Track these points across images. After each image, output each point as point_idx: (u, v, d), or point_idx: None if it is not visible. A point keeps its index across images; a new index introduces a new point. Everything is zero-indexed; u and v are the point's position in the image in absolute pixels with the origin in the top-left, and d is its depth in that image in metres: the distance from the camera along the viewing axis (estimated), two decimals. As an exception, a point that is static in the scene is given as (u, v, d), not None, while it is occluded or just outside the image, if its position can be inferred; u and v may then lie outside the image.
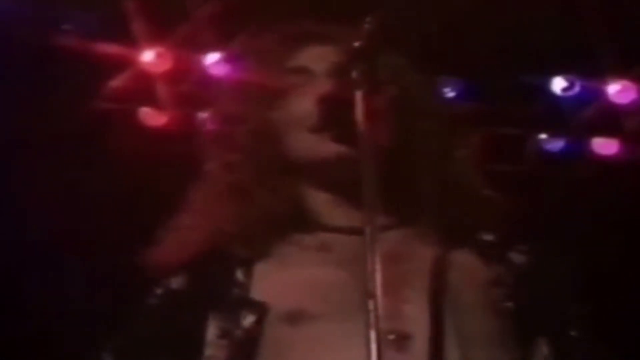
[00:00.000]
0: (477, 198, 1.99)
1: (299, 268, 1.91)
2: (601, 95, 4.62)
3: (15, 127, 4.10)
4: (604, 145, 4.86)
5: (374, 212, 1.69)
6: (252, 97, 2.05)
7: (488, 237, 1.97)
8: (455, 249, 1.93)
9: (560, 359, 1.89)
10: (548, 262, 1.99)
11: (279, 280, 1.90)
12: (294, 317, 1.83)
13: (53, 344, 4.05)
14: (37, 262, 4.15)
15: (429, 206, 1.95)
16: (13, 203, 4.10)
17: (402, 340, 1.78)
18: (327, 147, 1.92)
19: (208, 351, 1.84)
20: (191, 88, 4.33)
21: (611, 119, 4.74)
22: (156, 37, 4.21)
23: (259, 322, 1.83)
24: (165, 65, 4.29)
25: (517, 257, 1.96)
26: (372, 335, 1.60)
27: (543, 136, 4.92)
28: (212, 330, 1.85)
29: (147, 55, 4.25)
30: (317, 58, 2.03)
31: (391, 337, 1.77)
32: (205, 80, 4.19)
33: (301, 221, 1.96)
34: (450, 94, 4.49)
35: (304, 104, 1.96)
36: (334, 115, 1.90)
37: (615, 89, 4.58)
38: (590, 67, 4.46)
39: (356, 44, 1.79)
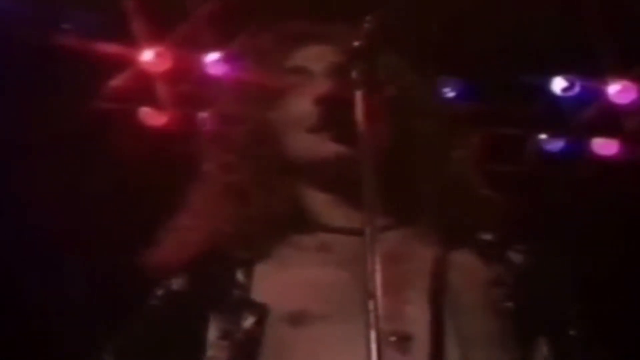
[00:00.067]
0: (476, 198, 1.99)
1: (299, 269, 1.91)
2: (601, 95, 4.62)
3: (15, 127, 4.10)
4: (604, 146, 4.86)
5: (373, 213, 1.69)
6: (251, 97, 2.05)
7: (487, 236, 1.97)
8: (455, 249, 1.93)
9: (560, 359, 1.89)
10: (548, 262, 1.99)
11: (279, 281, 1.89)
12: (295, 318, 1.83)
13: (53, 344, 4.06)
14: (37, 262, 4.15)
15: (428, 206, 1.95)
16: (13, 203, 4.10)
17: (403, 341, 1.78)
18: (326, 147, 1.92)
19: (209, 352, 1.84)
20: (191, 88, 4.33)
21: (611, 119, 4.73)
22: (156, 36, 4.21)
23: (260, 323, 1.83)
24: (165, 65, 4.29)
25: (516, 257, 1.96)
26: (373, 335, 1.60)
27: (543, 136, 4.92)
28: (212, 331, 1.85)
29: (147, 55, 4.25)
30: (315, 58, 2.03)
31: (392, 338, 1.77)
32: (205, 80, 4.19)
33: (301, 222, 1.96)
34: (450, 94, 4.49)
35: (302, 104, 1.96)
36: (333, 115, 1.90)
37: (615, 89, 4.58)
38: (590, 67, 4.46)
39: (356, 44, 1.79)
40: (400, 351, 1.77)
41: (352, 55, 1.79)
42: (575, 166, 4.89)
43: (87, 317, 3.90)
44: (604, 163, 4.82)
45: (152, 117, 4.51)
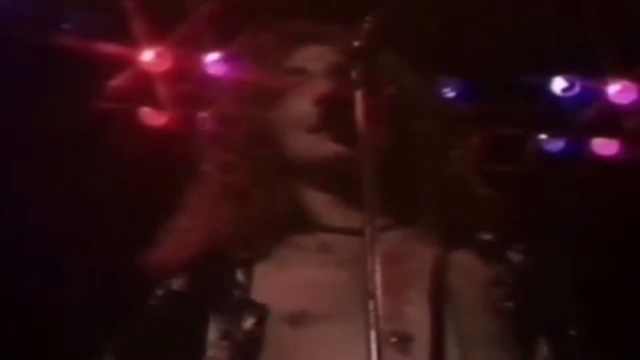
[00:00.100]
0: (475, 198, 1.99)
1: (299, 269, 1.91)
2: (601, 95, 4.62)
3: (15, 127, 4.10)
4: (604, 146, 4.86)
5: (373, 213, 1.69)
6: (250, 97, 2.05)
7: (487, 236, 1.97)
8: (455, 249, 1.93)
9: (560, 359, 1.89)
10: (548, 262, 2.00)
11: (279, 281, 1.89)
12: (295, 319, 1.82)
13: (54, 345, 4.06)
14: (37, 262, 4.15)
15: (428, 206, 1.95)
16: (13, 203, 4.10)
17: (404, 341, 1.78)
18: (326, 147, 1.92)
19: (209, 352, 1.84)
20: (191, 88, 4.33)
21: (611, 120, 4.73)
22: (156, 36, 4.21)
23: (260, 324, 1.83)
24: (165, 65, 4.29)
25: (516, 257, 1.96)
26: (373, 335, 1.60)
27: (543, 136, 4.91)
28: (213, 332, 1.85)
29: (147, 55, 4.25)
30: (314, 58, 2.03)
31: (393, 339, 1.77)
32: (205, 80, 4.19)
33: (300, 222, 1.96)
34: (450, 94, 4.49)
35: (302, 105, 1.96)
36: (332, 116, 1.90)
37: (615, 89, 4.58)
38: (590, 67, 4.46)
39: (356, 44, 1.78)
40: (400, 352, 1.78)
41: (352, 56, 1.79)
42: (575, 166, 4.89)
43: (87, 317, 3.90)
44: (604, 163, 4.82)
45: (152, 117, 4.51)
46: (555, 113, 4.71)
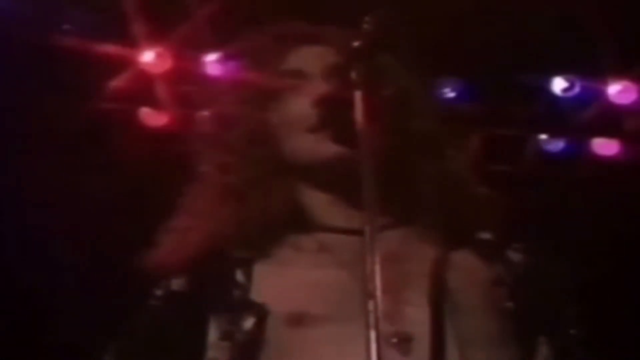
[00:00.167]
0: (473, 197, 1.99)
1: (298, 269, 1.91)
2: (601, 95, 4.62)
3: (15, 127, 4.10)
4: (604, 146, 4.85)
5: (373, 212, 1.69)
6: (248, 98, 2.05)
7: (486, 236, 1.97)
8: (455, 249, 1.93)
9: (561, 359, 1.89)
10: (548, 261, 2.00)
11: (278, 281, 1.90)
12: (295, 319, 1.83)
13: (54, 345, 4.06)
14: (36, 262, 4.14)
15: (426, 206, 1.95)
16: (12, 203, 4.10)
17: (404, 342, 1.78)
18: (326, 148, 1.92)
19: (209, 353, 1.84)
20: (191, 88, 4.33)
21: (611, 120, 4.73)
22: (156, 37, 4.21)
23: (260, 325, 1.83)
24: (165, 65, 4.29)
25: (516, 256, 1.96)
26: (372, 335, 1.60)
27: (543, 137, 4.91)
28: (213, 332, 1.85)
29: (147, 56, 4.25)
30: (311, 59, 2.03)
31: (394, 340, 1.77)
32: (205, 80, 4.19)
33: (300, 222, 1.96)
34: (450, 94, 4.49)
35: (300, 106, 1.96)
36: (332, 116, 1.90)
37: (615, 90, 4.58)
38: (590, 67, 4.46)
39: (355, 44, 1.79)
40: (400, 352, 1.78)
41: (352, 56, 1.79)
42: (575, 166, 4.89)
43: (87, 317, 3.90)
44: (604, 163, 4.82)
45: (152, 117, 4.51)
46: (555, 113, 4.71)
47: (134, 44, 4.22)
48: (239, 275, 1.90)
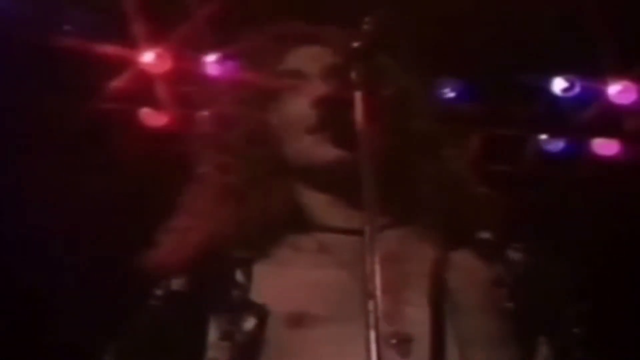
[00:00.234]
0: (473, 196, 1.99)
1: (298, 269, 1.91)
2: (601, 95, 4.62)
3: (15, 127, 4.10)
4: (604, 146, 4.85)
5: (373, 212, 1.69)
6: (248, 98, 2.05)
7: (486, 235, 1.97)
8: (454, 249, 1.93)
9: (561, 358, 1.89)
10: (548, 261, 2.00)
11: (278, 282, 1.90)
12: (294, 319, 1.83)
13: (54, 345, 4.06)
14: (36, 263, 4.14)
15: (426, 205, 1.95)
16: (12, 203, 4.10)
17: (404, 343, 1.78)
18: (326, 151, 1.92)
19: (209, 353, 1.84)
20: (191, 89, 4.33)
21: (611, 120, 4.73)
22: (156, 37, 4.21)
23: (260, 325, 1.83)
24: (165, 66, 4.29)
25: (516, 256, 1.96)
26: (372, 336, 1.60)
27: (543, 137, 4.91)
28: (213, 332, 1.85)
29: (147, 56, 4.25)
30: (310, 59, 2.03)
31: (393, 341, 1.77)
32: (205, 81, 4.19)
33: (299, 222, 1.96)
34: (450, 94, 4.49)
35: (300, 106, 1.96)
36: (331, 117, 1.90)
37: (615, 90, 4.58)
38: (590, 67, 4.46)
39: (355, 45, 1.78)
40: (400, 353, 1.78)
41: (351, 57, 1.79)
42: (575, 166, 4.89)
43: (87, 317, 3.90)
44: (604, 163, 4.81)
45: (152, 117, 4.51)
46: (556, 113, 4.71)
47: (134, 45, 4.22)
48: (239, 276, 1.90)
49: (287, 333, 1.83)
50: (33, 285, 4.17)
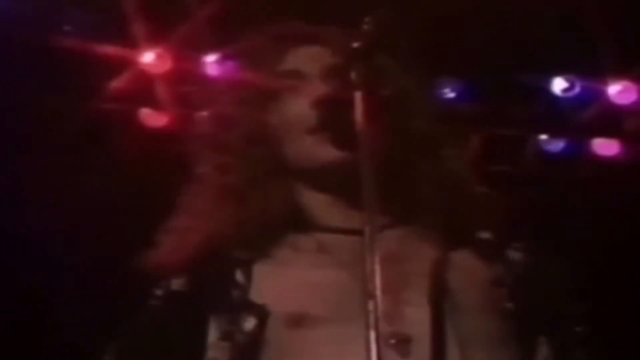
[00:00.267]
0: (472, 196, 1.99)
1: (297, 270, 1.91)
2: (601, 95, 4.61)
3: (15, 127, 4.10)
4: (605, 146, 4.85)
5: (373, 212, 1.69)
6: (246, 99, 2.05)
7: (486, 235, 1.97)
8: (454, 249, 1.93)
9: (562, 357, 1.89)
10: (548, 260, 2.00)
11: (278, 282, 1.90)
12: (295, 320, 1.83)
13: (54, 345, 4.05)
14: (36, 262, 4.14)
15: (425, 205, 1.95)
16: (12, 203, 4.10)
17: (403, 343, 1.78)
18: (326, 153, 1.92)
19: (209, 353, 1.84)
20: (191, 89, 4.33)
21: (611, 120, 4.73)
22: (156, 38, 4.21)
23: (260, 325, 1.83)
24: (166, 66, 4.29)
25: (516, 255, 1.96)
26: (372, 336, 1.59)
27: (543, 137, 4.91)
28: (213, 332, 1.85)
29: (147, 56, 4.25)
30: (309, 60, 2.03)
31: (392, 341, 1.77)
32: (205, 81, 4.19)
33: (299, 223, 1.96)
34: (450, 94, 4.49)
35: (299, 107, 1.96)
36: (331, 118, 1.89)
37: (615, 90, 4.58)
38: (590, 67, 4.46)
39: (355, 45, 1.78)
40: (400, 353, 1.78)
41: (351, 57, 1.79)
42: (575, 167, 4.89)
43: (87, 317, 3.90)
44: (604, 163, 4.81)
45: (152, 118, 4.51)
46: (556, 113, 4.71)
47: (134, 45, 4.22)
48: (239, 276, 1.90)
49: (287, 333, 1.83)
50: (33, 285, 4.17)
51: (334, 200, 1.96)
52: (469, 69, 4.45)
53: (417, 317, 1.82)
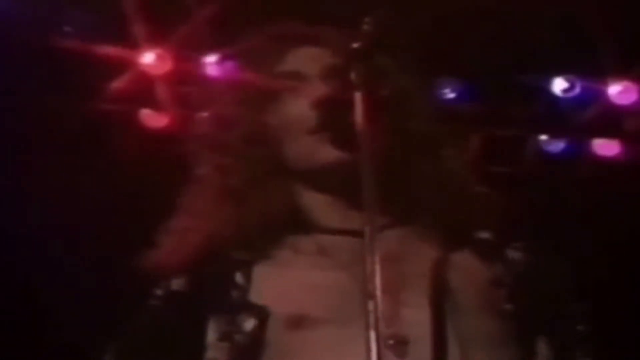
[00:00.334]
0: (471, 196, 1.99)
1: (297, 271, 1.92)
2: (602, 96, 4.61)
3: (15, 127, 4.10)
4: (605, 146, 4.85)
5: (373, 213, 1.69)
6: (246, 100, 2.05)
7: (485, 235, 1.97)
8: (454, 249, 1.93)
9: (562, 357, 1.89)
10: (547, 260, 2.00)
11: (278, 283, 1.90)
12: (295, 321, 1.83)
13: (54, 345, 4.05)
14: (36, 263, 4.14)
15: (425, 205, 1.95)
16: (12, 203, 4.10)
17: (400, 345, 1.78)
18: (326, 153, 1.92)
19: (209, 353, 1.85)
20: (192, 90, 4.32)
21: (612, 120, 4.73)
22: (156, 39, 4.21)
23: (260, 326, 1.83)
24: (166, 66, 4.28)
25: (515, 255, 1.96)
26: (372, 336, 1.59)
27: (543, 137, 4.91)
28: (212, 333, 1.86)
29: (148, 57, 4.25)
30: (309, 60, 2.03)
31: (390, 342, 1.77)
32: (206, 82, 4.19)
33: (298, 223, 1.97)
34: (450, 95, 4.48)
35: (299, 107, 1.96)
36: (331, 118, 1.90)
37: (616, 90, 4.57)
38: (590, 67, 4.45)
39: (355, 45, 1.79)
40: (397, 355, 1.78)
41: (351, 57, 1.79)
42: (575, 167, 4.88)
43: (88, 317, 3.90)
44: (604, 164, 4.81)
45: (152, 118, 4.51)
46: (556, 114, 4.71)
47: (134, 46, 4.22)
48: (238, 277, 1.91)
49: (286, 334, 1.83)
50: (33, 285, 4.17)
51: (333, 201, 1.96)
52: (469, 69, 4.45)
53: (415, 319, 1.82)
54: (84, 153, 4.27)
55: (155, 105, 4.44)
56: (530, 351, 1.89)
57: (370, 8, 1.79)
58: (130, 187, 4.25)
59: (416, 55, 2.13)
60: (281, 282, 1.90)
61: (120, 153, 4.28)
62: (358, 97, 1.76)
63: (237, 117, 2.04)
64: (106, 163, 4.26)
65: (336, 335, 1.81)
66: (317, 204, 1.97)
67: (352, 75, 1.77)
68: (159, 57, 4.24)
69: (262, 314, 1.84)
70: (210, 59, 4.26)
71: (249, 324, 1.84)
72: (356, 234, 1.72)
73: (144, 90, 4.36)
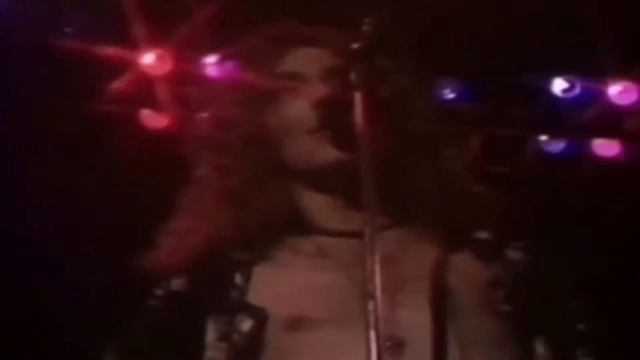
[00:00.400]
0: (470, 196, 1.99)
1: (296, 272, 1.92)
2: (602, 96, 4.61)
3: (15, 129, 4.11)
4: (605, 147, 4.85)
5: (373, 213, 1.69)
6: (246, 100, 2.05)
7: (484, 235, 1.97)
8: (454, 250, 1.93)
9: (562, 357, 1.89)
10: (547, 260, 2.00)
11: (277, 284, 1.90)
12: (294, 323, 1.83)
13: (54, 345, 4.05)
14: (36, 263, 4.14)
15: (425, 205, 1.95)
16: (12, 204, 4.10)
17: (396, 347, 1.79)
18: (326, 154, 1.92)
19: (207, 353, 1.85)
20: (192, 90, 4.32)
21: (612, 120, 4.73)
22: (156, 39, 4.21)
23: (259, 327, 1.83)
24: (166, 67, 4.29)
25: (515, 255, 1.96)
26: (372, 336, 1.59)
27: (543, 137, 4.91)
28: (211, 333, 1.86)
29: (148, 58, 4.25)
30: (309, 61, 2.03)
31: (387, 343, 1.77)
32: (206, 82, 4.19)
33: (298, 224, 1.97)
34: (450, 95, 4.48)
35: (299, 108, 1.96)
36: (331, 119, 1.90)
37: (616, 90, 4.57)
38: (590, 67, 4.45)
39: (355, 46, 1.79)
40: (394, 356, 1.78)
41: (351, 58, 1.79)
42: (575, 167, 4.88)
43: (88, 317, 3.90)
44: (604, 164, 4.81)
45: (152, 119, 4.51)
46: (556, 114, 4.71)
47: (135, 46, 4.22)
48: (238, 278, 1.91)
49: (285, 335, 1.83)
50: (33, 285, 4.17)
51: (333, 201, 1.96)
52: (469, 69, 4.45)
53: (412, 321, 1.82)
54: (84, 153, 4.27)
55: (155, 105, 4.44)
56: (530, 351, 1.89)
57: (370, 8, 1.79)
58: (130, 187, 4.25)
59: (416, 56, 2.13)
60: (280, 283, 1.90)
61: (120, 153, 4.28)
62: (358, 97, 1.76)
63: (237, 117, 2.04)
64: (106, 163, 4.26)
65: (335, 337, 1.81)
66: (317, 204, 1.97)
67: (352, 76, 1.78)
68: (159, 58, 4.24)
69: (260, 316, 1.84)
70: (210, 59, 4.26)
71: (247, 324, 1.84)
72: (356, 235, 1.72)
73: (144, 90, 4.36)
